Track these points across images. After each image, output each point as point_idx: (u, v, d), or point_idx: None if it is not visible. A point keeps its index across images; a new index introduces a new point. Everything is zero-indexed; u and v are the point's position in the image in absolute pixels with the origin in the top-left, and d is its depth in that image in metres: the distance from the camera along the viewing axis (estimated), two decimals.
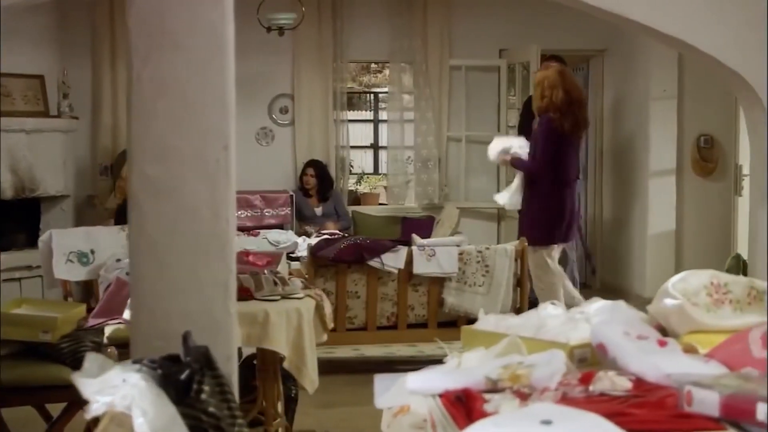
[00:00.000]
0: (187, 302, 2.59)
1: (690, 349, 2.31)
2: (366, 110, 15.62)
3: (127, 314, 4.03)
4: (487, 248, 6.36)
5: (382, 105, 12.52)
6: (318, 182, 8.82)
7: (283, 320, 4.17)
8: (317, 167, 8.85)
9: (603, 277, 9.57)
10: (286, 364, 4.24)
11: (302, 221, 8.68)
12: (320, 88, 9.14)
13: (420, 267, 6.23)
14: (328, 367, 6.26)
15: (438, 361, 2.55)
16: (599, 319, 2.42)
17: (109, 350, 4.19)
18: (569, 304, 3.14)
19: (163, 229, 2.57)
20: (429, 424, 2.09)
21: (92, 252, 5.34)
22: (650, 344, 2.25)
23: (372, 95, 14.87)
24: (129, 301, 2.93)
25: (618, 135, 9.40)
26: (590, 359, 2.30)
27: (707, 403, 1.88)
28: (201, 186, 2.56)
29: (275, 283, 4.37)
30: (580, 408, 1.90)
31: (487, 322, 2.60)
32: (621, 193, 9.28)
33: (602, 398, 2.02)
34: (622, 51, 9.16)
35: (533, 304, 5.59)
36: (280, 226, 8.34)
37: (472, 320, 3.30)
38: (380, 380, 2.41)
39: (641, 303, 2.74)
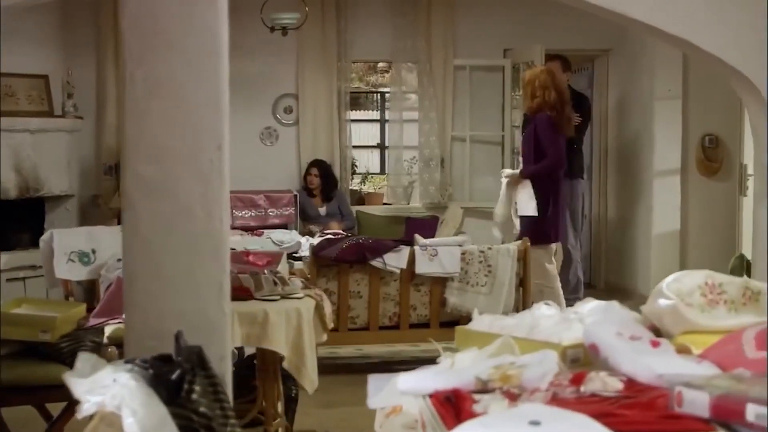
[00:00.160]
0: (181, 302, 2.59)
1: (683, 350, 2.30)
2: (373, 110, 15.62)
3: None
4: (490, 248, 6.34)
5: (388, 105, 12.52)
6: (322, 182, 8.82)
7: (282, 320, 4.17)
8: (321, 167, 8.85)
9: (607, 276, 9.57)
10: (285, 364, 4.24)
11: (306, 221, 8.68)
12: (324, 87, 9.14)
13: (422, 267, 6.21)
14: (329, 367, 6.28)
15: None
16: (592, 319, 2.41)
17: (109, 350, 4.18)
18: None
19: (157, 229, 2.57)
20: (420, 425, 2.09)
21: (93, 252, 5.34)
22: (643, 345, 2.24)
23: (379, 95, 14.87)
24: None
25: (623, 135, 9.38)
26: (583, 359, 2.29)
27: (697, 403, 1.87)
28: (195, 186, 2.57)
29: (275, 283, 4.37)
30: (571, 409, 1.89)
31: (481, 322, 2.60)
32: (625, 193, 9.26)
33: (593, 399, 2.01)
34: (626, 51, 9.14)
35: None
36: (284, 226, 8.35)
37: None
38: (374, 380, 2.40)
39: (645, 303, 2.72)
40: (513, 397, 1.98)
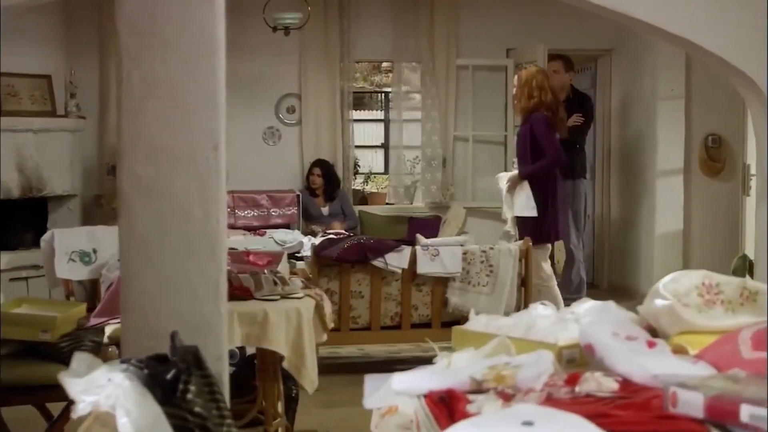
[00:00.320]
0: (178, 302, 2.59)
1: (680, 350, 2.29)
2: (377, 110, 15.62)
3: None
4: (491, 248, 6.33)
5: (391, 105, 12.51)
6: (324, 182, 8.82)
7: (282, 320, 4.16)
8: (324, 167, 8.85)
9: (610, 276, 9.56)
10: (285, 364, 4.24)
11: (309, 221, 8.69)
12: (327, 87, 9.14)
13: (424, 267, 6.21)
14: (330, 367, 6.29)
15: None
16: (588, 319, 2.40)
17: (110, 349, 4.19)
18: None
19: (153, 229, 2.57)
20: (414, 425, 2.08)
21: (94, 251, 5.34)
22: (639, 345, 2.23)
23: (383, 95, 14.87)
24: None
25: (625, 134, 9.37)
26: (579, 360, 2.28)
27: (692, 404, 1.86)
28: (191, 185, 2.57)
29: (275, 283, 4.37)
30: (565, 409, 1.88)
31: (477, 322, 2.59)
32: (628, 193, 9.25)
33: (588, 399, 2.00)
34: (629, 51, 9.13)
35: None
36: (287, 226, 8.35)
37: None
38: (370, 380, 2.40)
39: None
40: (507, 398, 1.98)
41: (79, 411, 2.12)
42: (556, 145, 6.77)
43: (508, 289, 6.23)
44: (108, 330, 4.36)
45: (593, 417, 1.84)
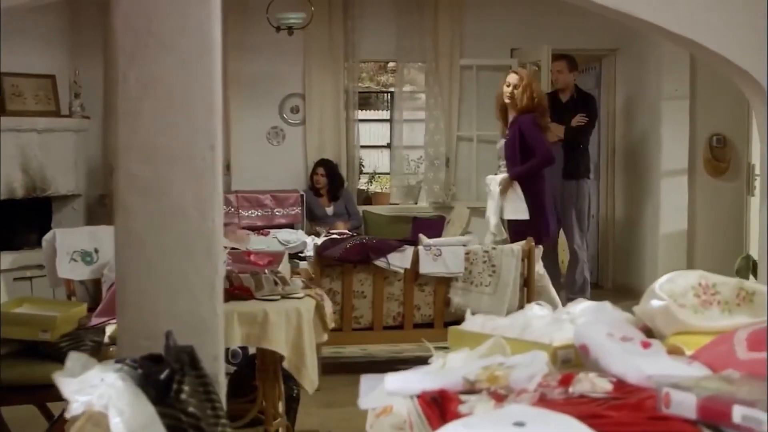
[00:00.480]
0: (174, 302, 2.59)
1: (675, 351, 2.28)
2: (384, 110, 15.61)
3: None
4: (494, 248, 6.33)
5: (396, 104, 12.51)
6: (328, 182, 8.81)
7: (282, 320, 4.16)
8: (328, 167, 8.84)
9: (615, 276, 9.55)
10: (285, 364, 4.23)
11: (313, 221, 8.69)
12: (331, 87, 9.14)
13: (426, 267, 6.20)
14: (333, 367, 6.29)
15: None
16: (583, 320, 2.40)
17: (111, 349, 4.19)
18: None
19: (149, 229, 2.57)
20: (408, 425, 2.08)
21: (96, 251, 5.34)
22: (634, 346, 2.23)
23: (389, 95, 14.86)
24: None
25: (630, 134, 9.35)
26: (574, 360, 2.28)
27: (685, 405, 1.86)
28: (187, 186, 2.57)
29: (275, 283, 4.37)
30: (558, 410, 1.88)
31: (473, 322, 2.59)
32: (633, 193, 9.24)
33: (581, 400, 2.00)
34: (634, 50, 9.11)
35: None
36: (291, 226, 8.35)
37: None
38: (366, 380, 2.40)
39: None
40: (500, 398, 1.97)
41: (73, 411, 2.13)
42: (546, 145, 6.79)
43: (511, 289, 6.22)
44: (109, 330, 4.36)
45: (586, 418, 1.83)
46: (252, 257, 4.78)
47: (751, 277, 6.35)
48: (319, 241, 6.86)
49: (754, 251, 6.92)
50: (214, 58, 2.58)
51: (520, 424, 1.75)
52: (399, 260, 6.20)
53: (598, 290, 9.13)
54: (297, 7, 8.19)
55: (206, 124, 2.57)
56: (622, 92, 9.50)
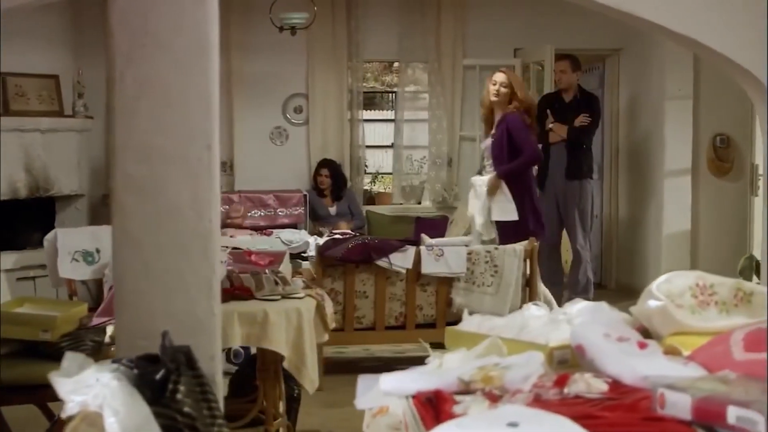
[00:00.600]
0: (171, 302, 2.59)
1: (672, 351, 2.28)
2: (389, 110, 15.61)
3: None
4: (496, 248, 6.32)
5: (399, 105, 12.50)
6: (332, 182, 8.81)
7: (282, 320, 4.16)
8: (331, 167, 8.83)
9: (618, 277, 9.53)
10: (285, 364, 4.23)
11: (316, 221, 8.69)
12: (335, 87, 9.14)
13: (428, 267, 6.20)
14: (335, 367, 6.29)
15: None
16: (580, 320, 2.39)
17: (112, 349, 4.19)
18: None
19: (146, 229, 2.57)
20: (403, 426, 2.08)
21: (98, 251, 5.35)
22: (630, 346, 2.22)
23: (394, 95, 14.85)
24: None
25: (633, 134, 9.34)
26: (571, 361, 2.28)
27: (679, 406, 1.86)
28: (184, 186, 2.56)
29: (276, 283, 4.37)
30: (553, 410, 1.88)
31: (470, 322, 2.58)
32: (636, 193, 9.22)
33: (576, 401, 2.00)
34: (637, 50, 9.10)
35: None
36: (294, 226, 8.35)
37: None
38: (363, 380, 2.40)
39: None
40: (494, 399, 1.97)
41: (68, 411, 2.13)
42: (532, 141, 6.77)
43: (513, 289, 6.20)
44: (109, 330, 4.36)
45: (580, 418, 1.83)
46: (253, 257, 4.78)
47: (755, 277, 6.33)
48: (321, 241, 6.86)
49: (757, 251, 6.91)
50: (210, 57, 2.58)
51: (513, 424, 1.75)
52: (401, 260, 6.19)
53: (602, 290, 9.11)
54: (300, 7, 8.19)
55: (203, 124, 2.56)
56: (626, 92, 9.48)
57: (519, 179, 6.68)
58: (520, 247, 6.33)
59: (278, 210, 8.55)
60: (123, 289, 2.60)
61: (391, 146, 11.56)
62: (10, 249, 7.71)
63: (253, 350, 5.15)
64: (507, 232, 6.58)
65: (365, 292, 6.24)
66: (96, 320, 4.47)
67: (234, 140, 9.03)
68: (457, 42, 9.16)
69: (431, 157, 9.29)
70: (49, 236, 5.41)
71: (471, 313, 2.66)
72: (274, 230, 7.98)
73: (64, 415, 2.14)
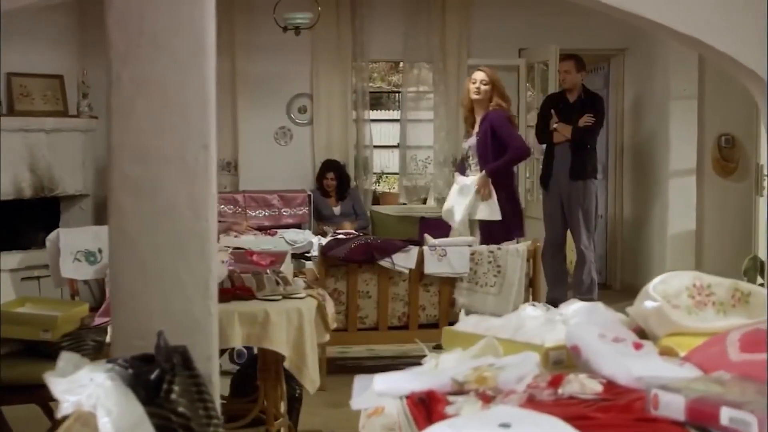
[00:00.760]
0: (168, 302, 2.59)
1: (668, 352, 2.27)
2: (395, 110, 15.61)
3: None
4: (499, 248, 6.31)
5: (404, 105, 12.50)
6: (337, 183, 8.80)
7: (283, 320, 4.16)
8: (337, 169, 8.81)
9: (623, 277, 9.51)
10: (286, 364, 4.23)
11: (320, 221, 8.68)
12: (339, 87, 9.14)
13: (431, 267, 6.19)
14: (339, 367, 6.29)
15: None
16: (576, 320, 2.39)
17: None
18: None
19: (142, 229, 2.57)
20: (397, 426, 2.07)
21: (100, 251, 5.35)
22: (625, 347, 2.22)
23: (400, 95, 14.85)
24: None
25: (638, 134, 9.32)
26: (567, 361, 2.27)
27: (673, 406, 1.85)
28: (181, 185, 2.57)
29: (277, 283, 4.37)
30: (547, 411, 1.87)
31: (467, 322, 2.58)
32: (641, 193, 9.20)
33: (570, 401, 1.99)
34: (642, 50, 9.08)
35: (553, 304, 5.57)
36: (298, 226, 8.34)
37: None
38: (359, 381, 2.40)
39: None
40: (487, 399, 1.97)
41: (63, 411, 2.12)
42: (518, 137, 6.84)
43: (516, 289, 6.19)
44: (111, 330, 4.36)
45: (574, 419, 1.83)
46: (254, 257, 4.77)
47: (759, 278, 6.31)
48: (324, 241, 6.86)
49: (762, 252, 6.89)
50: (207, 57, 2.58)
51: (505, 425, 1.74)
52: (404, 260, 6.19)
53: (607, 291, 9.10)
54: (304, 7, 8.19)
55: (200, 124, 2.57)
56: (631, 92, 9.46)
57: (504, 179, 6.67)
58: (522, 247, 6.33)
59: (282, 210, 8.55)
60: (119, 288, 2.61)
61: (397, 146, 11.59)
62: (15, 249, 7.72)
63: (256, 350, 5.15)
64: (491, 232, 6.58)
65: (368, 292, 6.24)
66: (98, 320, 4.48)
67: (238, 140, 9.03)
68: (462, 42, 9.14)
69: (436, 157, 9.27)
70: (51, 236, 5.42)
71: (468, 313, 2.65)
72: (279, 230, 7.98)
73: (58, 415, 2.14)
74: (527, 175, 9.23)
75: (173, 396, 2.19)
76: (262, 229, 8.05)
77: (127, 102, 2.54)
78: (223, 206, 8.25)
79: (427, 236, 6.44)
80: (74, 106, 8.27)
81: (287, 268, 4.86)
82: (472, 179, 6.74)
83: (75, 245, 5.34)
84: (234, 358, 5.94)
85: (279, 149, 9.20)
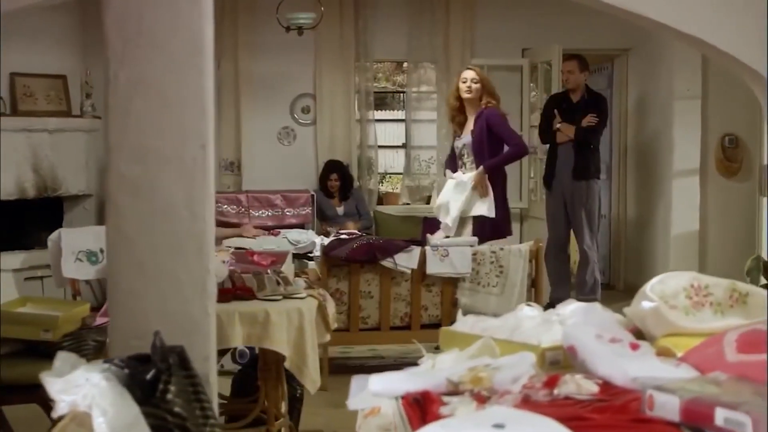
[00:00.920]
0: (165, 302, 2.59)
1: (665, 352, 2.27)
2: (400, 110, 15.60)
3: None
4: (501, 249, 6.31)
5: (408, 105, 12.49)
6: (341, 184, 8.80)
7: (284, 320, 4.16)
8: (340, 169, 8.81)
9: (626, 277, 9.50)
10: (287, 364, 4.23)
11: (324, 221, 8.68)
12: (342, 87, 9.14)
13: (433, 267, 6.19)
14: (341, 367, 6.29)
15: None
16: (572, 321, 2.38)
17: None
18: None
19: (140, 229, 2.57)
20: (393, 426, 2.07)
21: (101, 251, 5.35)
22: (622, 347, 2.21)
23: (404, 95, 14.84)
24: None
25: (642, 134, 9.31)
26: (563, 362, 2.26)
27: (668, 407, 1.84)
28: (179, 186, 2.57)
29: (278, 283, 4.37)
30: (542, 412, 1.87)
31: (464, 323, 2.57)
32: (645, 193, 9.19)
33: (566, 402, 1.99)
34: (646, 50, 9.07)
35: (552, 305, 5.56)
36: (301, 226, 8.35)
37: None
38: (356, 381, 2.39)
39: None
40: (482, 400, 1.96)
41: (59, 411, 2.13)
42: (516, 134, 6.86)
43: (518, 289, 6.20)
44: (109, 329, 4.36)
45: (569, 420, 1.82)
46: (255, 257, 4.77)
47: (762, 278, 6.29)
48: (327, 241, 6.86)
49: (765, 252, 6.87)
50: (205, 57, 2.58)
51: (499, 425, 1.74)
52: (406, 260, 6.19)
53: (610, 291, 9.10)
54: (307, 7, 8.19)
55: (197, 124, 2.56)
56: (634, 92, 9.45)
57: (498, 177, 6.69)
58: (525, 247, 6.33)
59: (286, 210, 8.55)
60: (117, 289, 2.61)
61: (402, 146, 11.60)
62: (18, 249, 7.74)
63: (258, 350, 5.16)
64: (484, 228, 6.57)
65: (370, 292, 6.24)
66: (99, 320, 4.47)
67: (242, 140, 9.04)
68: (466, 42, 9.14)
69: (439, 157, 9.27)
70: (53, 236, 5.42)
71: (465, 314, 2.64)
72: (282, 230, 7.99)
73: (54, 415, 2.14)
74: (531, 175, 9.22)
75: (169, 396, 2.19)
76: (266, 229, 8.07)
77: (124, 102, 2.54)
78: (226, 206, 8.26)
79: (429, 236, 6.44)
80: (77, 106, 8.30)
81: (288, 268, 4.86)
82: (468, 175, 6.73)
83: (76, 245, 5.35)
84: (236, 358, 5.94)
85: (282, 149, 9.21)
